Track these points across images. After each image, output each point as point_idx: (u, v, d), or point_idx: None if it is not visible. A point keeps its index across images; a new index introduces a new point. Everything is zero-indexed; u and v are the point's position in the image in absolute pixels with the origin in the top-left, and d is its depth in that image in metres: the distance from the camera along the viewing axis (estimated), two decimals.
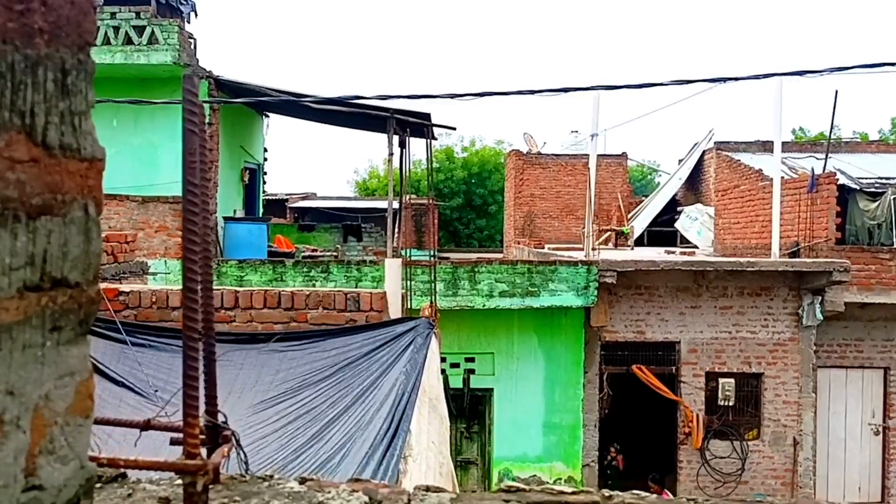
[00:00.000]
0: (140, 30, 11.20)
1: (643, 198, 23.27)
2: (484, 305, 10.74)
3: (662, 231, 19.80)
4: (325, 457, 4.64)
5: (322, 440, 4.80)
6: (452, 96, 8.27)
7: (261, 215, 15.43)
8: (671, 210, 20.05)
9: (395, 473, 4.44)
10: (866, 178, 14.72)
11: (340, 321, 5.79)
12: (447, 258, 18.36)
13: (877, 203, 12.91)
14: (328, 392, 5.15)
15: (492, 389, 11.61)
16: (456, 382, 11.48)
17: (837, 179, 12.28)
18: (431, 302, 6.89)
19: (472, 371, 11.56)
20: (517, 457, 11.54)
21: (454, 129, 12.86)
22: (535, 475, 11.50)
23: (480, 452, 11.81)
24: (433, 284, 7.85)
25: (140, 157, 11.94)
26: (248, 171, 14.42)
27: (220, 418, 1.04)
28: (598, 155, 21.87)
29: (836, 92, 12.82)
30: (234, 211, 13.48)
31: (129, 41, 11.18)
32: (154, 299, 5.72)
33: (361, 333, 5.45)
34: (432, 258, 7.68)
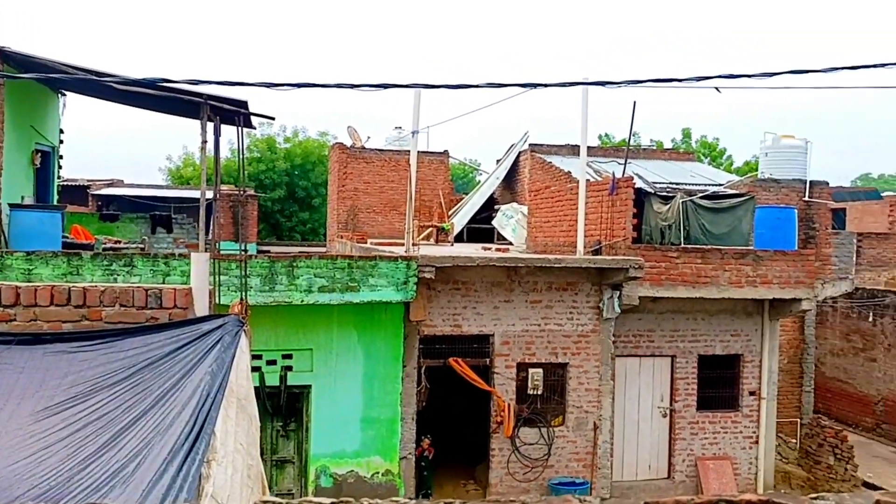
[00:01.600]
0: None
1: (464, 195, 23.95)
2: (302, 301, 10.52)
3: (481, 228, 20.51)
4: (116, 466, 4.30)
5: (114, 448, 4.45)
6: (269, 85, 8.00)
7: (55, 202, 14.09)
8: (489, 208, 20.81)
9: (195, 479, 4.21)
10: (660, 183, 16.11)
11: (140, 319, 5.41)
12: (268, 252, 17.86)
13: (668, 206, 14.15)
14: (124, 396, 4.79)
15: (310, 386, 11.42)
16: (273, 380, 11.18)
17: (635, 183, 13.31)
18: (242, 298, 6.61)
19: (289, 368, 11.29)
20: (335, 453, 11.45)
21: (273, 118, 12.46)
22: (352, 470, 11.47)
23: (297, 450, 11.58)
24: (243, 280, 7.56)
25: None
26: (39, 154, 13.10)
27: None
28: (421, 152, 22.24)
29: (635, 103, 13.92)
30: (23, 197, 12.20)
31: None
32: None
33: (163, 332, 5.12)
34: (242, 252, 7.40)
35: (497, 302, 12.09)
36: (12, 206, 11.35)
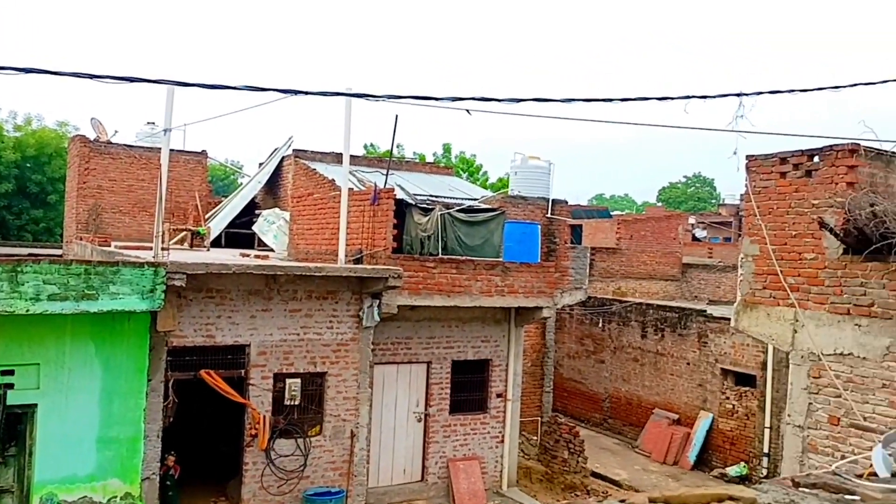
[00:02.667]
0: None
1: (224, 198, 22.99)
2: (28, 311, 9.37)
3: (241, 233, 19.79)
4: None
5: None
6: None
7: None
8: (250, 212, 20.17)
9: None
10: (420, 195, 16.70)
11: None
12: None
13: (428, 218, 14.71)
14: None
15: (35, 405, 10.20)
16: None
17: (395, 194, 13.67)
18: None
19: (10, 386, 10.00)
20: (64, 478, 10.32)
21: None
22: (85, 496, 10.43)
23: (18, 478, 10.28)
24: None
25: None
26: None
27: None
28: (178, 151, 21.05)
29: (397, 116, 14.35)
30: None
31: None
32: None
33: None
34: None
35: (254, 311, 11.73)
36: None
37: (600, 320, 23.16)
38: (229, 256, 14.09)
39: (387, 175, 15.10)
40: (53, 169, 29.42)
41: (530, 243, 15.17)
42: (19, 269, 9.34)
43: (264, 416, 11.77)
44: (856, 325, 7.40)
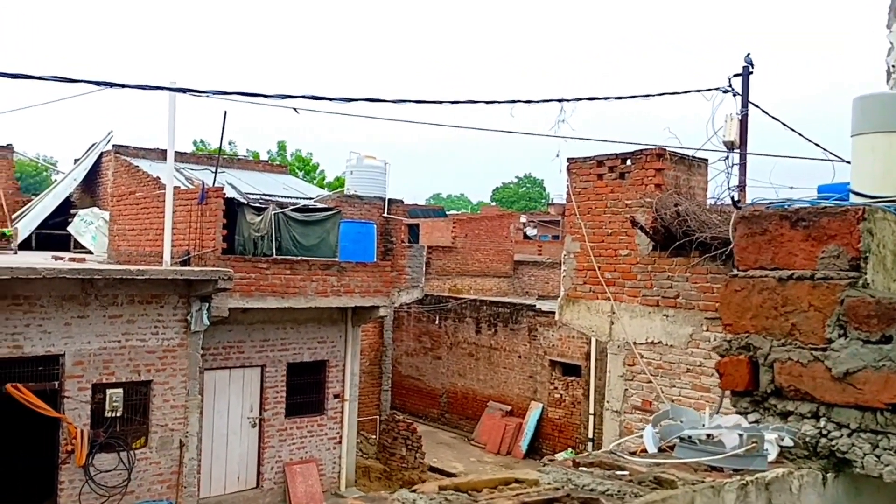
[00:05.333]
0: None
1: (34, 196, 21.10)
2: None
3: (55, 234, 18.26)
4: None
5: None
6: None
7: None
8: (65, 212, 18.66)
9: None
10: (253, 194, 16.25)
11: None
12: None
13: (261, 217, 14.35)
14: None
15: None
16: None
17: (225, 193, 13.22)
18: None
19: None
20: None
21: None
22: None
23: None
24: None
25: None
26: None
27: None
28: None
29: (225, 112, 13.92)
30: None
31: None
32: None
33: None
34: None
35: (69, 318, 10.88)
36: None
37: (437, 317, 23.66)
38: (40, 260, 12.95)
39: (216, 172, 14.56)
40: None
41: (366, 243, 15.21)
42: None
43: (82, 430, 10.96)
44: (664, 315, 8.10)
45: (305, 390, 14.51)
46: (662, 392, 8.22)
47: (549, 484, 1.19)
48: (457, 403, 22.77)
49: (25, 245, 17.44)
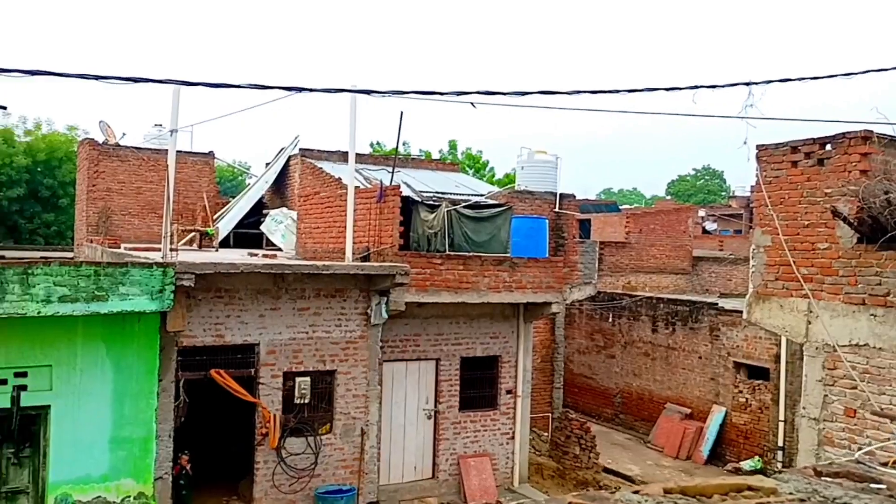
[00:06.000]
0: None
1: (231, 199, 23.02)
2: (39, 312, 9.41)
3: (249, 233, 19.81)
4: None
5: None
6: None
7: None
8: (258, 212, 20.19)
9: None
10: (427, 192, 16.66)
11: None
12: (2, 256, 15.79)
13: (434, 214, 14.68)
14: None
15: (48, 406, 10.25)
16: (3, 402, 9.88)
17: (401, 192, 13.64)
18: None
19: (23, 387, 10.04)
20: (79, 478, 10.37)
21: (4, 108, 11.12)
22: (99, 496, 10.47)
23: (32, 479, 10.33)
24: None
25: None
26: None
27: None
28: (185, 152, 21.06)
29: (402, 113, 14.26)
30: None
31: None
32: None
33: None
34: None
35: (263, 310, 11.73)
36: None
37: (610, 315, 23.07)
38: (238, 256, 14.09)
39: (392, 172, 15.07)
40: (64, 173, 29.54)
41: (538, 238, 15.10)
42: (30, 271, 9.37)
43: (275, 415, 11.77)
44: (871, 315, 7.31)
45: (478, 385, 14.68)
46: (870, 399, 7.43)
47: (790, 494, 1.05)
48: (631, 404, 22.08)
49: (224, 243, 19.06)
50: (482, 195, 17.85)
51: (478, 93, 8.63)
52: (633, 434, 21.29)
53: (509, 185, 24.69)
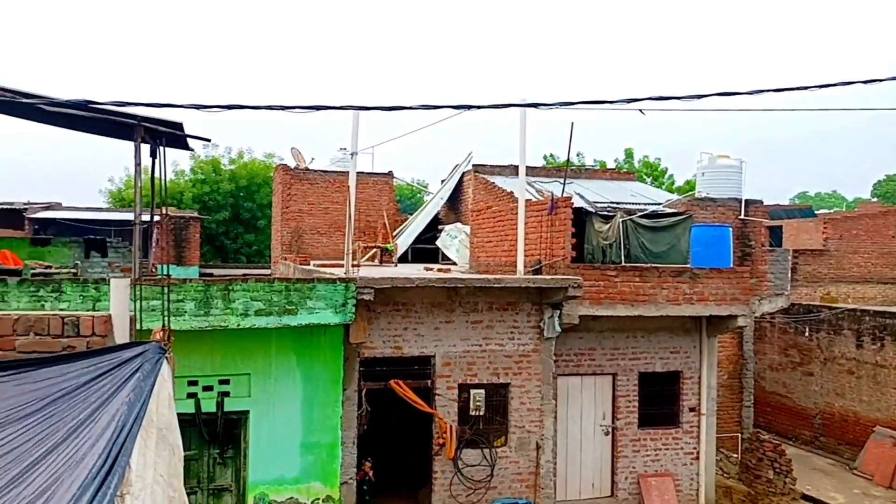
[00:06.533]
0: None
1: (409, 216, 23.94)
2: (239, 325, 10.33)
3: (426, 248, 20.50)
4: (24, 503, 4.13)
5: (22, 484, 4.26)
6: (198, 107, 7.89)
7: None
8: (434, 228, 20.84)
9: None
10: (601, 203, 16.35)
11: (56, 348, 5.23)
12: (210, 274, 17.54)
13: (609, 225, 14.38)
14: (35, 428, 4.60)
15: (248, 412, 11.19)
16: (209, 406, 10.93)
17: (573, 203, 13.48)
18: (164, 324, 6.45)
19: (226, 394, 11.05)
20: (274, 480, 11.21)
21: (209, 140, 12.29)
22: (292, 497, 11.25)
23: (235, 478, 11.31)
24: (165, 304, 7.40)
25: None
26: None
27: None
28: (365, 173, 22.26)
29: (572, 124, 14.11)
30: None
31: None
32: None
33: (80, 361, 4.94)
34: (166, 276, 7.24)
35: (438, 323, 12.06)
36: None
37: (807, 329, 21.29)
38: (414, 271, 14.61)
39: (564, 183, 14.94)
40: (262, 196, 32.24)
41: (721, 247, 14.29)
42: (231, 287, 10.32)
43: (451, 426, 12.03)
44: None
45: (658, 401, 14.10)
46: None
47: None
48: (834, 426, 20.19)
49: (403, 258, 19.86)
50: (659, 204, 17.22)
51: (649, 98, 8.37)
52: (836, 459, 19.44)
53: (689, 193, 23.62)
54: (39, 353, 5.18)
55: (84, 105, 9.82)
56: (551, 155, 38.80)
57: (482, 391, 12.29)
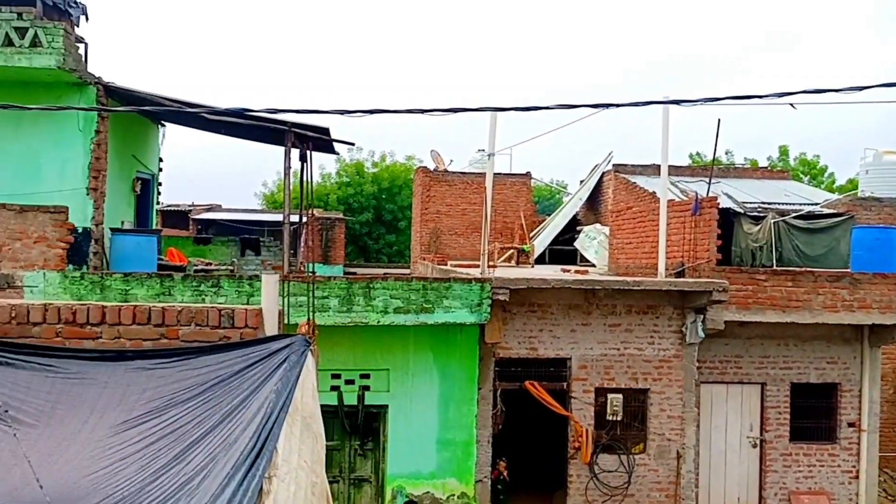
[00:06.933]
0: (22, 31, 10.68)
1: (547, 217, 23.82)
2: (379, 322, 10.71)
3: (564, 249, 20.32)
4: (184, 478, 4.49)
5: (184, 461, 4.65)
6: (343, 112, 8.26)
7: (154, 227, 14.92)
8: (572, 229, 20.61)
9: (255, 494, 4.34)
10: (750, 203, 15.54)
11: (213, 338, 5.65)
12: (353, 273, 18.30)
13: (759, 227, 13.66)
14: (195, 411, 4.99)
15: (387, 406, 11.58)
16: (351, 399, 11.41)
17: (719, 203, 12.91)
18: (309, 318, 6.81)
19: (367, 388, 11.49)
20: (411, 473, 11.52)
21: (353, 144, 12.90)
22: (428, 492, 11.51)
23: (374, 469, 11.73)
24: (311, 299, 7.80)
25: (20, 164, 11.39)
26: (140, 182, 13.93)
27: None
28: (503, 174, 22.38)
29: (719, 121, 13.52)
30: (123, 223, 12.98)
31: (9, 43, 10.65)
32: (13, 314, 5.42)
33: (234, 351, 5.31)
34: (311, 274, 7.65)
35: (574, 325, 11.92)
36: (113, 230, 12.09)
37: None
38: (551, 272, 14.53)
39: (709, 183, 14.33)
40: (403, 198, 33.20)
41: (886, 251, 13.15)
42: (371, 286, 10.72)
43: (587, 430, 11.85)
44: None
45: (812, 414, 13.19)
46: None
47: None
48: None
49: (540, 260, 19.78)
50: (817, 204, 16.14)
51: (803, 92, 7.88)
52: None
53: (851, 192, 21.92)
54: (199, 342, 5.58)
55: (240, 113, 10.56)
56: (697, 153, 37.24)
57: (620, 396, 12.02)
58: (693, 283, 11.73)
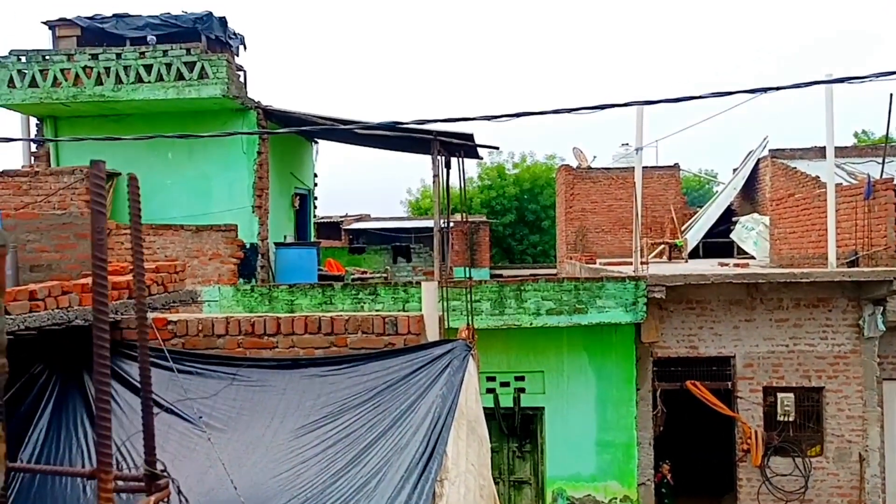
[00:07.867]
0: (191, 65, 11.63)
1: (698, 209, 22.85)
2: (531, 324, 10.71)
3: (718, 242, 19.39)
4: (362, 481, 4.71)
5: (360, 464, 4.86)
6: (488, 118, 8.35)
7: (312, 239, 15.73)
8: (727, 220, 19.63)
9: (429, 497, 4.47)
10: None
11: (379, 345, 5.86)
12: (500, 275, 18.42)
13: None
14: (367, 416, 5.21)
15: (543, 408, 11.53)
16: (507, 401, 11.47)
17: None
18: (468, 323, 6.92)
19: (522, 390, 11.51)
20: (571, 476, 11.41)
21: (497, 148, 12.97)
22: (589, 494, 11.35)
23: (533, 472, 11.72)
24: (469, 305, 7.90)
25: (194, 187, 12.38)
26: (298, 197, 14.74)
27: (159, 466, 1.10)
28: (650, 167, 21.72)
29: (892, 95, 12.38)
30: (285, 237, 13.79)
31: (180, 77, 11.62)
32: (200, 327, 5.89)
33: (399, 357, 5.50)
34: (468, 279, 7.76)
35: (737, 321, 11.35)
36: (277, 244, 12.88)
37: None
38: (707, 267, 13.91)
39: (883, 163, 13.18)
40: (545, 198, 33.01)
41: None
42: (522, 288, 10.74)
43: (756, 431, 11.24)
44: None
45: None
46: None
47: None
48: None
49: (693, 254, 18.99)
50: None
51: None
52: None
53: None
54: (367, 349, 5.82)
55: (391, 126, 10.94)
56: (863, 131, 34.38)
57: (791, 395, 11.30)
58: (869, 273, 10.82)
